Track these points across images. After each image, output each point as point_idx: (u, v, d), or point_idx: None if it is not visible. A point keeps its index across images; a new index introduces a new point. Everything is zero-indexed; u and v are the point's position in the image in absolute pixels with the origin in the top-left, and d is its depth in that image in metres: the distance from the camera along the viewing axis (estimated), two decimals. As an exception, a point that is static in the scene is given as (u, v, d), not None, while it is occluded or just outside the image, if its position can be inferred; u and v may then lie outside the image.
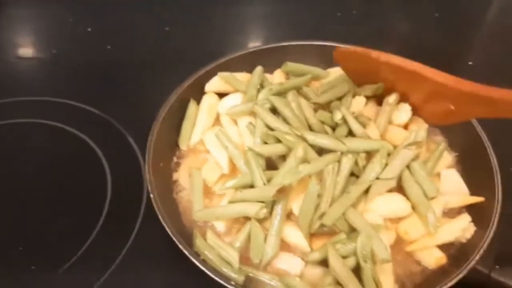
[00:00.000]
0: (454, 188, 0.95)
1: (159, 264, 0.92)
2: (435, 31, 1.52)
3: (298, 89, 1.08)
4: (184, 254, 0.80)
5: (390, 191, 0.90)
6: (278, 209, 0.85)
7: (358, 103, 1.04)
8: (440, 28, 1.54)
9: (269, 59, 1.15)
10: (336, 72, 1.14)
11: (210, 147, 1.00)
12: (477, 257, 0.81)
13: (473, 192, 0.95)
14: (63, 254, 0.93)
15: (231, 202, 0.89)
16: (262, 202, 0.85)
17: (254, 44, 1.19)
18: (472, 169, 0.99)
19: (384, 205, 0.88)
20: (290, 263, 0.85)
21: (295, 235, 0.86)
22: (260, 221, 0.87)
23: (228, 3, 1.58)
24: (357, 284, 0.78)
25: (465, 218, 0.90)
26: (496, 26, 1.58)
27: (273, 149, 0.93)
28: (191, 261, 0.79)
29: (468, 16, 1.59)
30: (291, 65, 1.15)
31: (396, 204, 0.89)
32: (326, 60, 1.13)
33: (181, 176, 1.00)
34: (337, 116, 0.97)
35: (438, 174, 0.97)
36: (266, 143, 0.95)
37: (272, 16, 1.58)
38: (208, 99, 1.08)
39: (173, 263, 0.90)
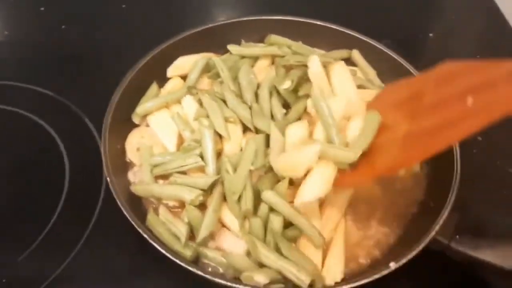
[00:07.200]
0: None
1: (121, 247, 0.90)
2: (396, 4, 1.51)
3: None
4: (142, 235, 0.78)
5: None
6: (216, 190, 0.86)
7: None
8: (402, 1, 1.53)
9: (229, 35, 1.13)
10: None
11: (156, 128, 0.98)
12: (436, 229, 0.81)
13: (432, 162, 0.94)
14: (21, 242, 0.90)
15: (171, 183, 0.88)
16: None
17: (214, 20, 1.16)
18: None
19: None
20: (235, 244, 0.84)
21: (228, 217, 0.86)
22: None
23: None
24: None
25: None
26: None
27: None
28: (149, 243, 0.78)
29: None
30: (275, 38, 1.12)
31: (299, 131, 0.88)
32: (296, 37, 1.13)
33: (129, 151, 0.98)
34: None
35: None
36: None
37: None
38: (172, 83, 1.06)
39: (134, 245, 0.88)
